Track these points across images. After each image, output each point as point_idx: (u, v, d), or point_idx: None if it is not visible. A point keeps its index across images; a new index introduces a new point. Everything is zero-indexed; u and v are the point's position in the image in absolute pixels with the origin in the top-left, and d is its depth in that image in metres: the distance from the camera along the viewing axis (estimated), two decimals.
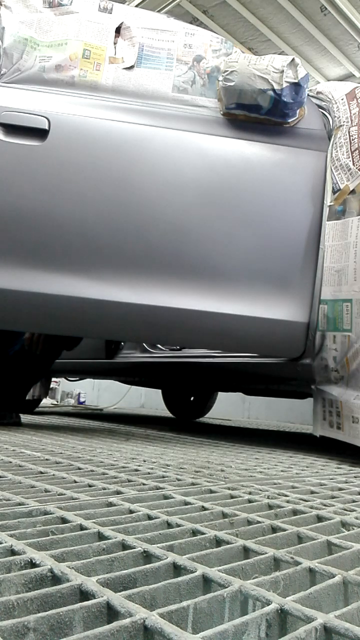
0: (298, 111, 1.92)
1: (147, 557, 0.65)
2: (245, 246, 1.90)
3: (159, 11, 4.93)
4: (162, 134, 1.89)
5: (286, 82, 1.80)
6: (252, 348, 1.99)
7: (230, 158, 1.93)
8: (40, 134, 1.83)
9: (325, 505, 1.00)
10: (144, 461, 1.46)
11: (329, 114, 2.00)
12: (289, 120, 1.92)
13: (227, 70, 1.86)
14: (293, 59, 1.84)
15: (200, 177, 1.90)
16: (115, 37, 1.92)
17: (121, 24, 1.92)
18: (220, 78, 1.89)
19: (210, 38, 1.98)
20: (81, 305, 1.80)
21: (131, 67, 1.91)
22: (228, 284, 1.88)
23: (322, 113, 2.02)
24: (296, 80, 1.81)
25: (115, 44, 1.92)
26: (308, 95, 2.06)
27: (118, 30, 1.93)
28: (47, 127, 1.83)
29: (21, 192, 1.80)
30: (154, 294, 1.82)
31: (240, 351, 2.11)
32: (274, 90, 1.81)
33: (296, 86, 1.82)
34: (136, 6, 4.91)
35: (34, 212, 1.80)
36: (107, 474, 1.22)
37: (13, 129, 1.82)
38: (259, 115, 1.90)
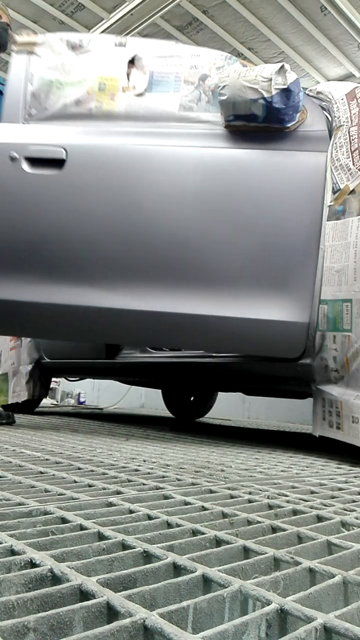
0: (297, 115, 1.93)
1: (147, 557, 0.65)
2: (245, 247, 1.91)
3: (159, 11, 4.94)
4: (168, 151, 1.99)
5: (275, 88, 1.82)
6: (252, 349, 2.00)
7: (233, 165, 1.98)
8: (58, 163, 1.99)
9: (325, 505, 1.00)
10: (144, 461, 1.46)
11: (329, 114, 2.00)
12: (288, 125, 1.93)
13: (220, 85, 1.92)
14: (282, 66, 1.85)
15: (202, 186, 1.97)
16: (129, 67, 2.05)
17: (134, 55, 2.05)
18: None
19: (215, 56, 2.04)
20: (97, 314, 1.97)
21: (142, 94, 2.02)
22: (230, 287, 1.91)
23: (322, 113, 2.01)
24: (286, 86, 1.82)
25: (128, 74, 2.05)
26: (310, 96, 2.06)
27: (132, 61, 2.05)
28: (64, 157, 1.99)
29: (44, 217, 1.99)
30: (159, 301, 1.92)
31: (241, 352, 2.12)
32: (264, 98, 1.83)
33: (286, 91, 1.83)
34: (135, 7, 4.92)
35: (53, 234, 1.98)
36: (107, 474, 1.22)
37: (36, 161, 2.01)
38: (257, 124, 1.92)
